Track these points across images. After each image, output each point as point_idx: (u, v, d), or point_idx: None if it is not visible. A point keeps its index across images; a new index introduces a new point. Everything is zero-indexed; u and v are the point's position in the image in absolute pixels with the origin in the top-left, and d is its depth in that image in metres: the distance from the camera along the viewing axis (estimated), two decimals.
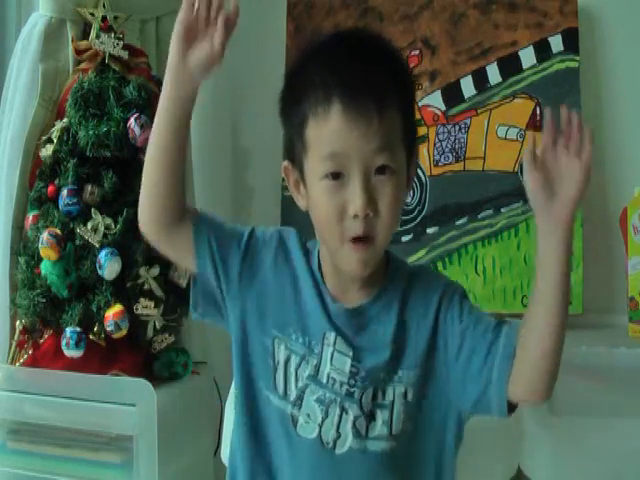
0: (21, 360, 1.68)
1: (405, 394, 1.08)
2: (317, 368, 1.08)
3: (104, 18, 1.78)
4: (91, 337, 1.63)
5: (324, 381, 1.08)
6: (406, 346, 1.09)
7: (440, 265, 2.07)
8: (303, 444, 1.07)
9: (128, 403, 1.57)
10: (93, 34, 1.76)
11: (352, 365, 1.07)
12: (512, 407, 1.06)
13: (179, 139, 1.05)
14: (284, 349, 1.09)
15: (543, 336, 1.00)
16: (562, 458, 1.44)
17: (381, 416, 1.08)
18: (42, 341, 1.67)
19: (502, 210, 2.08)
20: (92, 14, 1.78)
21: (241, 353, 1.11)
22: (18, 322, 1.70)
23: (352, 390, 1.07)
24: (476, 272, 2.07)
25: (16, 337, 1.71)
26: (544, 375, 1.01)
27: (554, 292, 0.98)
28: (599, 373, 1.67)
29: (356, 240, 1.03)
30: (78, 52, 1.77)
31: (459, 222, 2.09)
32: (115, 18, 1.79)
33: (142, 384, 1.59)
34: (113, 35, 1.76)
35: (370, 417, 1.08)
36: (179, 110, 1.03)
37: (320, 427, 1.07)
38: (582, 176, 0.95)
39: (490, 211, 2.08)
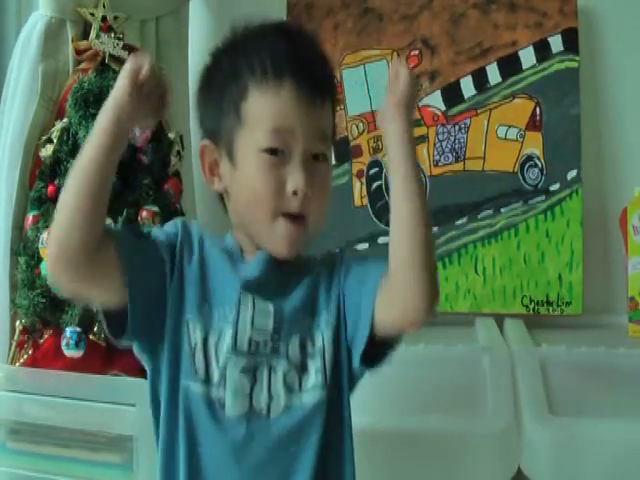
0: (21, 360, 1.68)
1: (335, 339, 1.04)
2: (235, 338, 1.02)
3: (104, 18, 1.78)
4: (91, 337, 1.63)
5: (245, 348, 1.02)
6: (319, 298, 1.06)
7: (440, 265, 2.07)
8: (234, 425, 1.01)
9: (128, 403, 1.57)
10: (93, 34, 1.76)
11: (275, 321, 1.03)
12: (381, 352, 1.04)
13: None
14: (200, 330, 1.03)
15: (406, 217, 0.99)
16: (562, 458, 1.43)
17: (313, 365, 1.03)
18: (42, 341, 1.67)
19: (502, 210, 2.08)
20: (92, 14, 1.78)
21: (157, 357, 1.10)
22: (18, 322, 1.70)
23: (277, 345, 1.03)
24: (476, 272, 2.07)
25: (16, 337, 1.70)
26: (418, 277, 0.98)
27: (403, 158, 1.01)
28: (599, 373, 1.67)
29: (290, 216, 1.02)
30: (78, 52, 1.77)
31: (459, 222, 2.09)
32: (115, 18, 1.79)
33: (142, 384, 1.58)
34: (113, 35, 1.76)
35: (301, 369, 1.03)
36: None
37: (251, 397, 1.01)
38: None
39: (490, 211, 2.08)
